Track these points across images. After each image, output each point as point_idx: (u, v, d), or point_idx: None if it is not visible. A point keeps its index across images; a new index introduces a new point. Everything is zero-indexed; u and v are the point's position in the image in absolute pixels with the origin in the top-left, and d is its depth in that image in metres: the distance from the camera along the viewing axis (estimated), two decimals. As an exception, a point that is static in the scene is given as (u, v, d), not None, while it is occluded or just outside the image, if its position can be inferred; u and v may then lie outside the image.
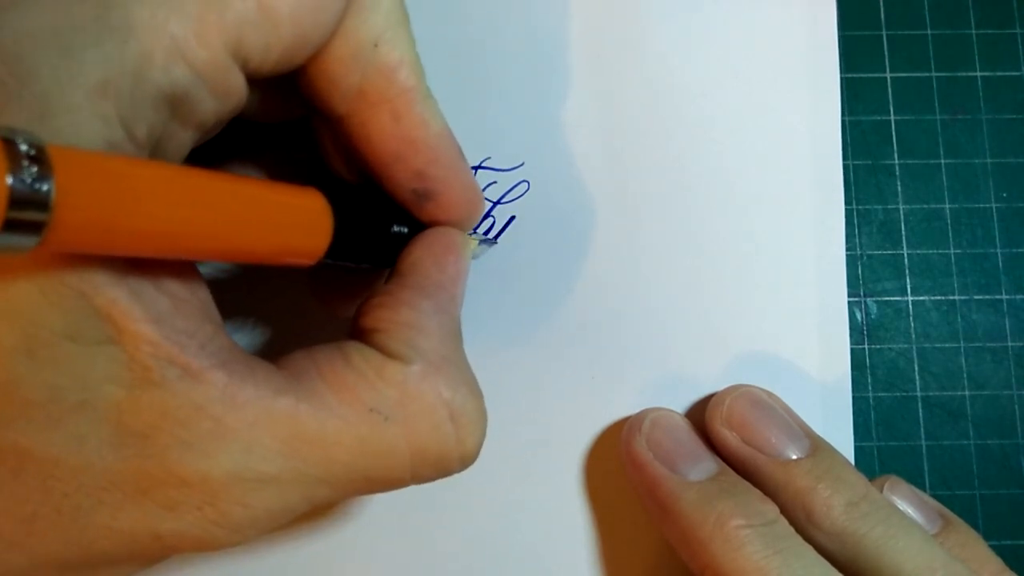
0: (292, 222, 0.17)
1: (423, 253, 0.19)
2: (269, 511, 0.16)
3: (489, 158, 0.26)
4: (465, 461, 0.18)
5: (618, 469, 0.25)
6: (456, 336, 0.18)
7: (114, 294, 0.14)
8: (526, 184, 0.26)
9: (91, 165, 0.12)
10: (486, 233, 0.25)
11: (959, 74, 0.28)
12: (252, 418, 0.15)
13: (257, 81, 0.17)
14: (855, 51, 0.28)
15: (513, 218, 0.26)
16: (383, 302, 0.18)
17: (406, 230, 0.20)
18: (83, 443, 0.14)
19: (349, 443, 0.16)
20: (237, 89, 0.16)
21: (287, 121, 0.21)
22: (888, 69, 0.28)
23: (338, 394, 0.16)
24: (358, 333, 0.18)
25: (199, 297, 0.16)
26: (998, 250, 0.27)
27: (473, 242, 0.22)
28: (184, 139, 0.16)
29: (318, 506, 0.17)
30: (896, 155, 0.27)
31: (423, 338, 0.17)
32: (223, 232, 0.15)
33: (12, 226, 0.11)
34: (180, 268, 0.16)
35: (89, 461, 0.14)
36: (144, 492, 0.14)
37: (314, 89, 0.18)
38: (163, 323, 0.15)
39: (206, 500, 0.15)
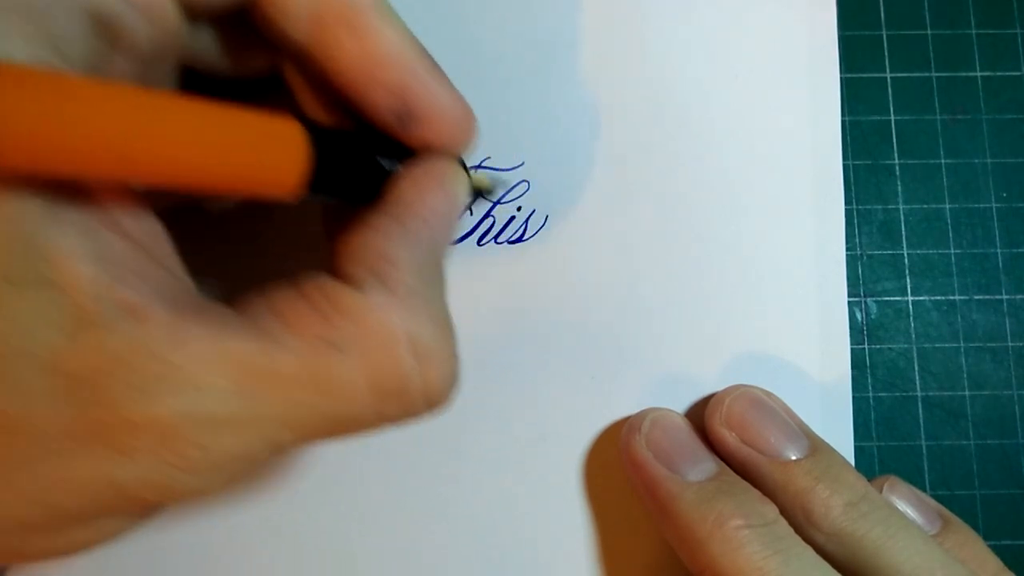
0: (261, 145, 0.15)
1: (406, 183, 0.18)
2: (229, 454, 0.15)
3: (489, 158, 0.26)
4: (431, 400, 0.17)
5: (618, 469, 0.25)
6: (431, 270, 0.17)
7: (56, 231, 0.13)
8: (526, 184, 0.26)
9: (29, 77, 0.12)
10: (485, 234, 0.26)
11: (959, 74, 0.28)
12: (200, 357, 0.14)
13: (211, 23, 0.16)
14: (855, 51, 0.28)
15: (534, 211, 0.26)
16: (356, 228, 0.17)
17: (400, 167, 0.19)
18: (26, 393, 0.13)
19: (304, 379, 0.15)
20: (169, 13, 0.15)
21: (263, 79, 0.20)
22: (888, 69, 0.28)
23: (291, 328, 0.15)
24: (330, 261, 0.17)
25: (152, 235, 0.15)
26: (998, 250, 0.27)
27: (480, 177, 0.21)
28: (124, 69, 0.15)
29: (284, 452, 0.16)
30: (896, 155, 0.27)
31: (389, 267, 0.16)
32: (182, 152, 0.14)
33: None
34: (132, 204, 0.15)
35: (34, 411, 0.14)
36: (96, 439, 0.14)
37: (268, 23, 0.17)
38: (108, 261, 0.14)
39: (160, 443, 0.14)
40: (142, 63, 0.16)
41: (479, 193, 0.22)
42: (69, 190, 0.14)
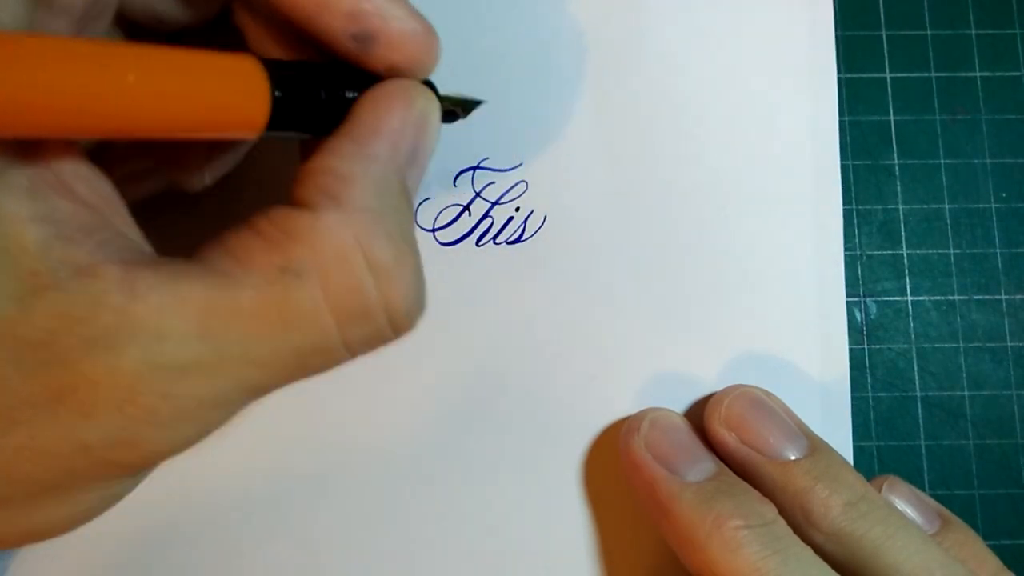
0: (219, 84, 0.15)
1: (365, 104, 0.17)
2: (198, 400, 0.15)
3: (487, 158, 0.26)
4: (394, 320, 0.16)
5: (618, 469, 0.25)
6: (393, 189, 0.17)
7: (0, 195, 0.13)
8: (524, 184, 0.26)
9: None
10: (484, 235, 0.26)
11: (959, 74, 0.28)
12: (157, 305, 0.14)
13: None
14: (855, 51, 0.28)
15: (532, 211, 0.26)
16: (312, 154, 0.17)
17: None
18: None
19: (265, 311, 0.15)
20: None
21: (210, 27, 0.19)
22: (888, 69, 0.28)
23: (245, 263, 0.15)
24: (288, 193, 0.17)
25: (102, 195, 0.15)
26: (998, 250, 0.27)
27: (449, 96, 0.20)
28: (59, 30, 0.15)
29: (257, 394, 0.16)
30: (896, 155, 0.27)
31: (342, 185, 0.16)
32: (137, 99, 0.14)
33: None
34: (80, 164, 0.15)
35: None
36: (58, 401, 0.14)
37: None
38: (55, 222, 0.14)
39: (124, 397, 0.14)
40: (78, 21, 0.15)
41: (450, 114, 0.21)
42: (12, 153, 0.14)
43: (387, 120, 0.17)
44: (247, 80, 0.16)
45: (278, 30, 0.18)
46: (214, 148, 0.21)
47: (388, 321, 0.16)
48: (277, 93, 0.16)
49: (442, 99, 0.19)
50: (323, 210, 0.15)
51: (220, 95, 0.15)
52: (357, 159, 0.16)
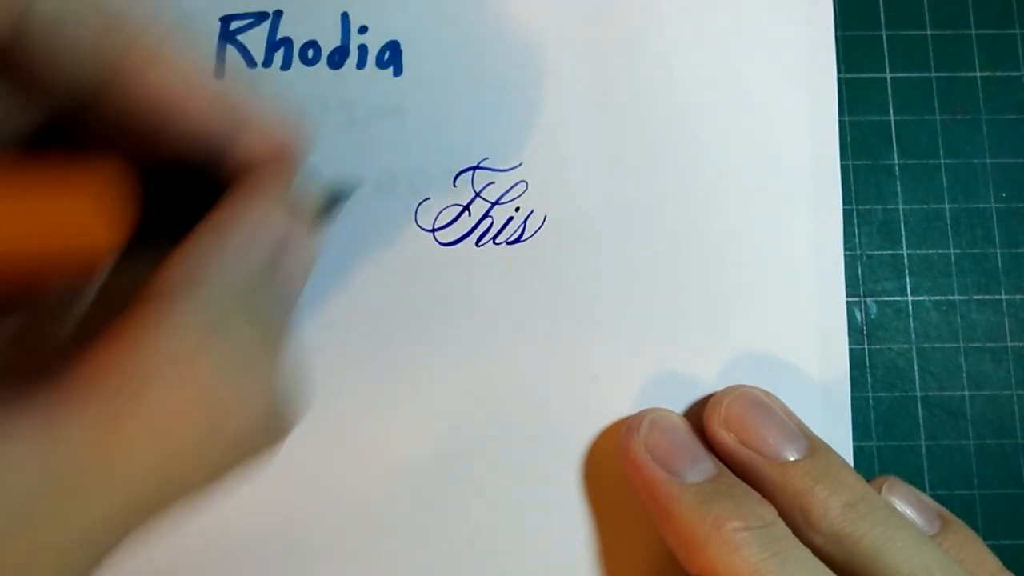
0: (70, 196, 0.14)
1: (229, 197, 0.16)
2: (40, 551, 0.13)
3: (487, 158, 0.26)
4: (244, 441, 0.15)
5: (618, 469, 0.25)
6: (253, 281, 0.15)
7: None
8: (524, 185, 0.26)
9: None
10: (484, 235, 0.26)
11: (959, 74, 0.28)
12: None
13: None
14: (855, 51, 0.28)
15: (532, 211, 0.26)
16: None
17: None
18: None
19: (97, 450, 0.13)
20: None
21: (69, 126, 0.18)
22: (888, 69, 0.28)
23: (77, 396, 0.13)
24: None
25: None
26: (998, 250, 0.27)
27: (320, 188, 0.19)
28: None
29: (129, 525, 0.14)
30: (896, 155, 0.27)
31: (192, 276, 0.14)
32: None
33: None
34: None
35: None
36: None
37: (40, 67, 0.15)
38: None
39: None
40: None
41: (331, 202, 0.20)
42: None
43: (249, 210, 0.16)
44: (100, 188, 0.14)
45: (136, 127, 0.16)
46: (75, 277, 0.18)
47: (237, 441, 0.15)
48: (138, 198, 0.15)
49: (316, 188, 0.18)
50: (171, 301, 0.14)
51: (73, 207, 0.14)
52: (213, 249, 0.15)
